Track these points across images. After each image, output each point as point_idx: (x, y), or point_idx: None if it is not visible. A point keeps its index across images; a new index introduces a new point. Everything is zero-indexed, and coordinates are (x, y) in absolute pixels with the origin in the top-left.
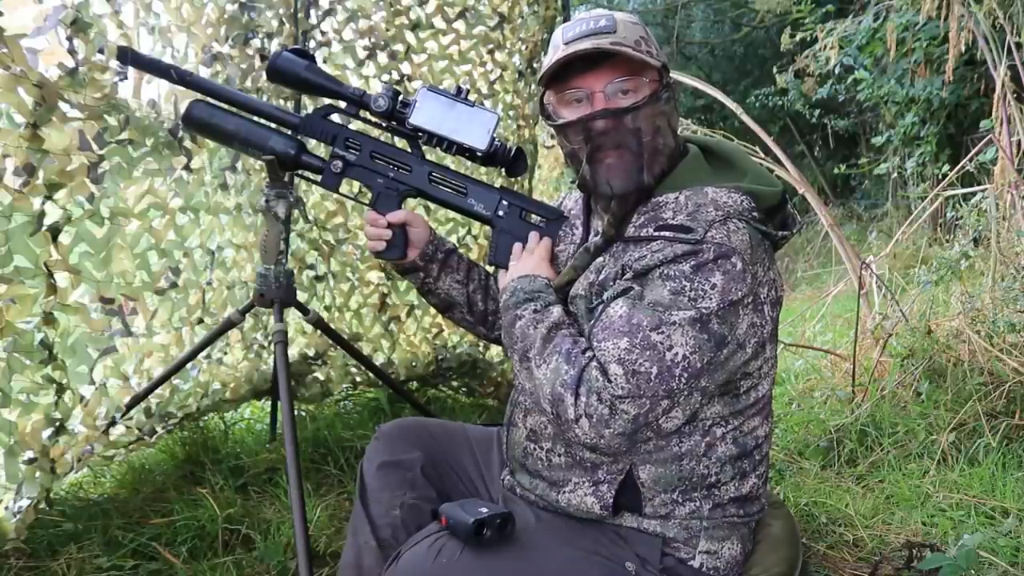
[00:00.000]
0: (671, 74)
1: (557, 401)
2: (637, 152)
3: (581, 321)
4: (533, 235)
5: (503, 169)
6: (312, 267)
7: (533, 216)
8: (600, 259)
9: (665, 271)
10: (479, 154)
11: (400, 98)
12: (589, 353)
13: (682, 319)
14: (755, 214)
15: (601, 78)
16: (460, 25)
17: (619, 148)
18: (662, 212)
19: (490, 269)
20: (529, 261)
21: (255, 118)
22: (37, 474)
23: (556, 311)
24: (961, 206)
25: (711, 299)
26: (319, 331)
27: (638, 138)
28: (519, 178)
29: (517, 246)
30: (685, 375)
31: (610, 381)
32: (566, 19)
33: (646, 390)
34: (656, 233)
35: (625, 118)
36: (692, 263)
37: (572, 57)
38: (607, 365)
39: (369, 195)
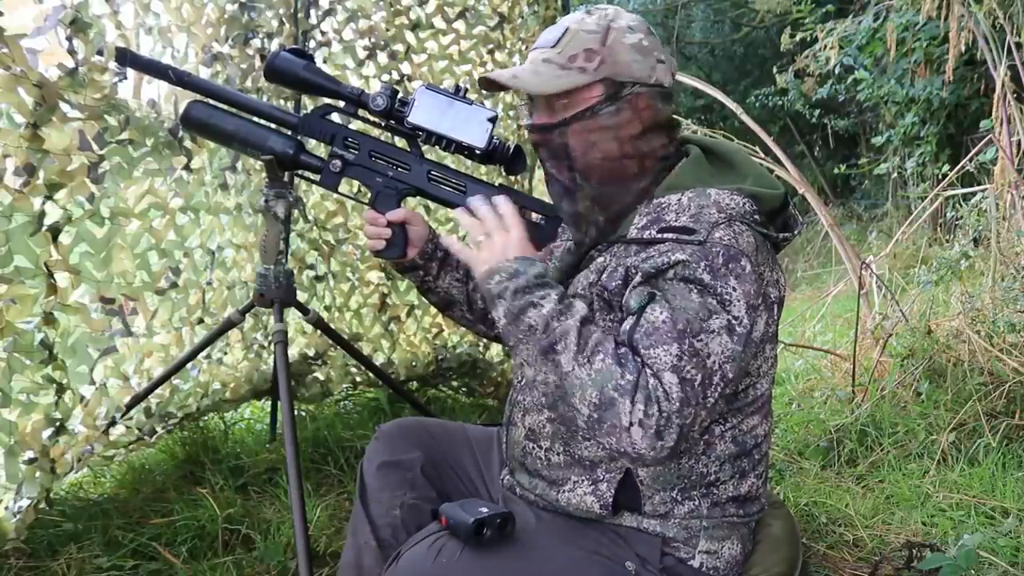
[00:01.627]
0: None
1: (607, 404)
2: (569, 166)
3: None
4: (501, 199)
5: (502, 167)
6: (312, 267)
7: (533, 214)
8: (601, 259)
9: (681, 273)
10: (478, 152)
11: (399, 97)
12: (638, 358)
13: (719, 326)
14: (757, 217)
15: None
16: (460, 25)
17: (553, 161)
18: (664, 213)
19: None
20: (515, 236)
21: (254, 118)
22: (37, 474)
23: (580, 304)
24: (961, 206)
25: (738, 304)
26: (319, 331)
27: (568, 153)
28: (519, 176)
29: (479, 206)
30: (722, 384)
31: (667, 391)
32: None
33: (692, 399)
34: (659, 235)
35: (553, 133)
36: (705, 266)
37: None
38: (661, 374)
39: (368, 194)
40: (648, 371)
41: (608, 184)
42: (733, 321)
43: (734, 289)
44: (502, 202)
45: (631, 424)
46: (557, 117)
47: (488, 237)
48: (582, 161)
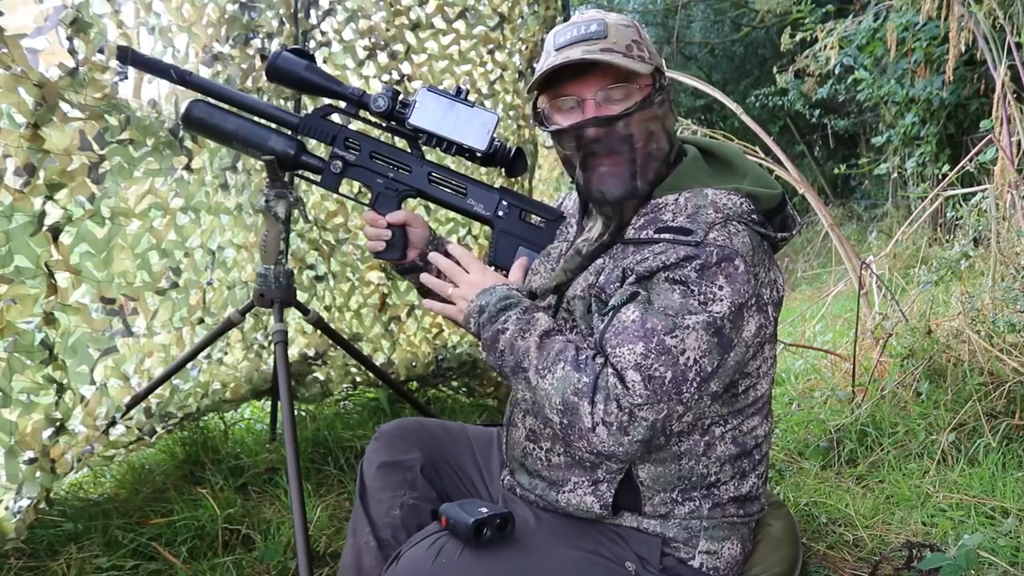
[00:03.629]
0: (669, 74)
1: (570, 410)
2: (630, 158)
3: (579, 322)
4: (451, 247)
5: (503, 169)
6: (312, 267)
7: (533, 216)
8: (600, 260)
9: (670, 275)
10: (478, 154)
11: (400, 98)
12: (600, 359)
13: (695, 323)
14: (754, 216)
15: (591, 85)
16: (460, 25)
17: (611, 155)
18: (661, 214)
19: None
20: (472, 275)
21: (254, 118)
22: (37, 474)
23: (541, 316)
24: (961, 206)
25: (722, 303)
26: (319, 331)
27: (630, 144)
28: (519, 178)
29: (437, 259)
30: (698, 379)
31: (628, 388)
32: (566, 19)
33: (662, 396)
34: (656, 235)
35: (616, 125)
36: (696, 266)
37: (559, 67)
38: (624, 372)
39: (369, 195)
40: (609, 370)
41: (656, 178)
42: (714, 317)
43: (720, 288)
44: (451, 248)
45: (595, 425)
46: (618, 108)
47: (455, 288)
48: (643, 152)
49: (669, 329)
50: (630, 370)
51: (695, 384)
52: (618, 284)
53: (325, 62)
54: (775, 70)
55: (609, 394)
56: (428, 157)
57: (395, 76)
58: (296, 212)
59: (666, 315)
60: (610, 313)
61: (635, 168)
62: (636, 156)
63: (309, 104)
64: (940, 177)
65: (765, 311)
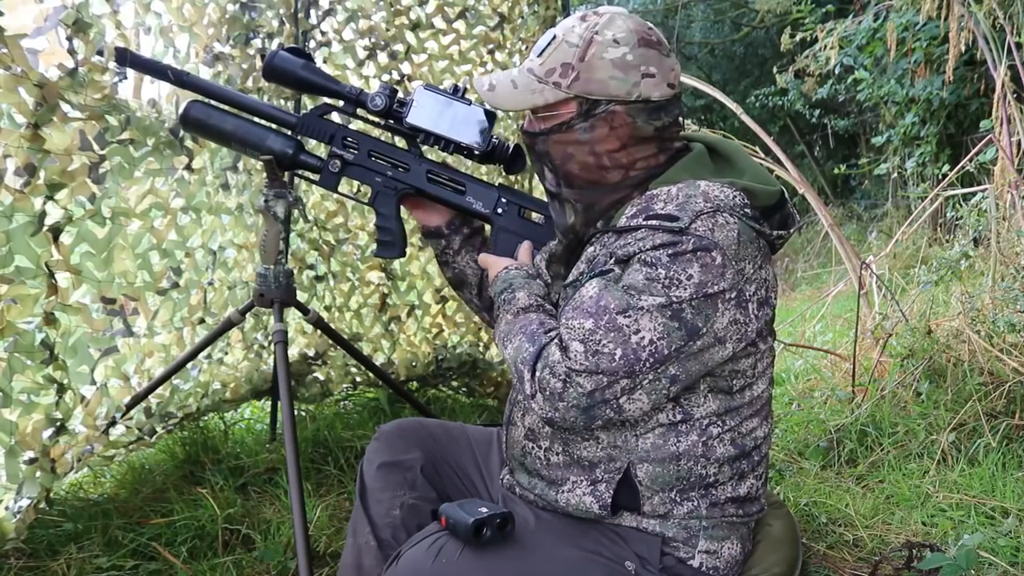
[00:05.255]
0: None
1: (519, 378)
2: (552, 169)
3: None
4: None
5: (502, 167)
6: (312, 267)
7: (532, 213)
8: (592, 249)
9: (644, 257)
10: (476, 152)
11: (398, 97)
12: (552, 332)
13: (651, 304)
14: (748, 211)
15: None
16: (460, 25)
17: (537, 164)
18: (653, 203)
19: None
20: (493, 263)
21: (253, 118)
22: (37, 474)
23: (521, 295)
24: (961, 206)
25: (685, 288)
26: (319, 331)
27: (550, 160)
28: (518, 175)
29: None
30: (651, 360)
31: (569, 357)
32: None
33: (606, 368)
34: (644, 222)
35: (536, 140)
36: (671, 251)
37: (485, 87)
38: (569, 343)
39: (368, 194)
40: (555, 342)
41: (587, 190)
42: (672, 300)
43: (689, 277)
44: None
45: (535, 392)
46: (537, 127)
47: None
48: (562, 169)
49: (623, 308)
50: (575, 342)
51: (648, 363)
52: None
53: (325, 62)
54: (775, 70)
55: (547, 362)
56: (428, 155)
57: (395, 76)
58: (296, 212)
59: (626, 294)
60: (574, 288)
61: (558, 178)
62: (557, 170)
63: (309, 104)
64: (940, 177)
65: (746, 307)
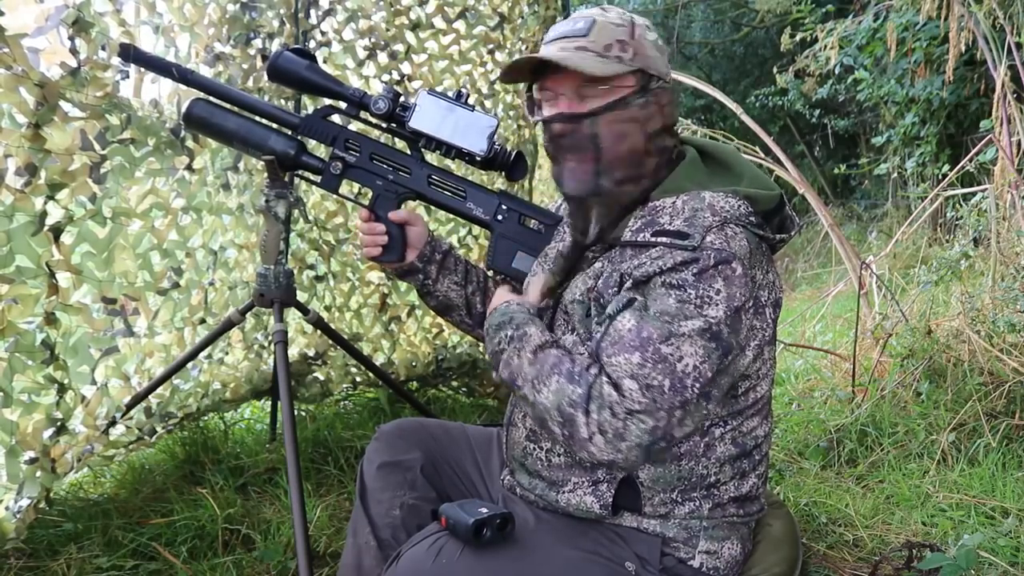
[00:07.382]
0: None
1: (568, 421)
2: (595, 157)
3: (578, 326)
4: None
5: (503, 173)
6: (312, 267)
7: (532, 220)
8: (598, 264)
9: (667, 279)
10: (478, 159)
11: (400, 100)
12: (594, 369)
13: (691, 329)
14: (752, 219)
15: (565, 82)
16: (460, 25)
17: (577, 151)
18: (659, 217)
19: (489, 272)
20: (498, 295)
21: (255, 118)
22: (38, 474)
23: (533, 331)
24: (961, 206)
25: (718, 307)
26: (319, 331)
27: (596, 144)
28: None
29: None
30: (697, 385)
31: (624, 396)
32: (566, 19)
33: (661, 403)
34: (653, 239)
35: (582, 123)
36: (694, 270)
37: (522, 63)
38: (620, 381)
39: (368, 195)
40: (604, 379)
41: (627, 181)
42: (710, 322)
43: (717, 292)
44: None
45: (592, 434)
46: (588, 106)
47: None
48: (611, 152)
49: (665, 337)
50: (626, 379)
51: (695, 390)
52: (616, 288)
53: (325, 62)
54: (775, 70)
55: (603, 403)
56: (429, 159)
57: (395, 76)
58: (296, 212)
59: (662, 321)
60: (607, 321)
61: (599, 167)
62: (602, 156)
63: (309, 104)
64: (940, 177)
65: (762, 313)
